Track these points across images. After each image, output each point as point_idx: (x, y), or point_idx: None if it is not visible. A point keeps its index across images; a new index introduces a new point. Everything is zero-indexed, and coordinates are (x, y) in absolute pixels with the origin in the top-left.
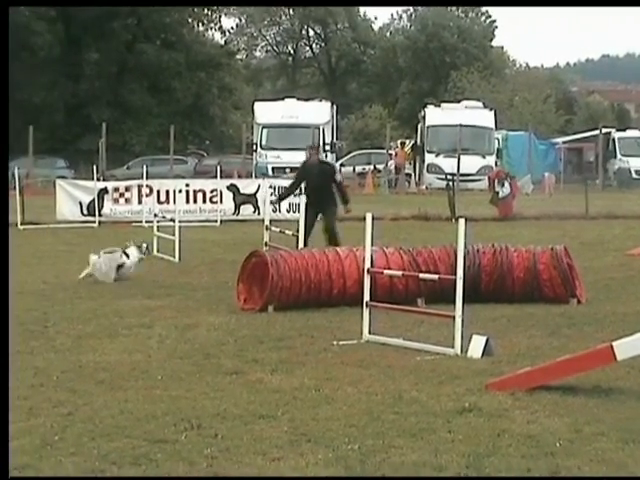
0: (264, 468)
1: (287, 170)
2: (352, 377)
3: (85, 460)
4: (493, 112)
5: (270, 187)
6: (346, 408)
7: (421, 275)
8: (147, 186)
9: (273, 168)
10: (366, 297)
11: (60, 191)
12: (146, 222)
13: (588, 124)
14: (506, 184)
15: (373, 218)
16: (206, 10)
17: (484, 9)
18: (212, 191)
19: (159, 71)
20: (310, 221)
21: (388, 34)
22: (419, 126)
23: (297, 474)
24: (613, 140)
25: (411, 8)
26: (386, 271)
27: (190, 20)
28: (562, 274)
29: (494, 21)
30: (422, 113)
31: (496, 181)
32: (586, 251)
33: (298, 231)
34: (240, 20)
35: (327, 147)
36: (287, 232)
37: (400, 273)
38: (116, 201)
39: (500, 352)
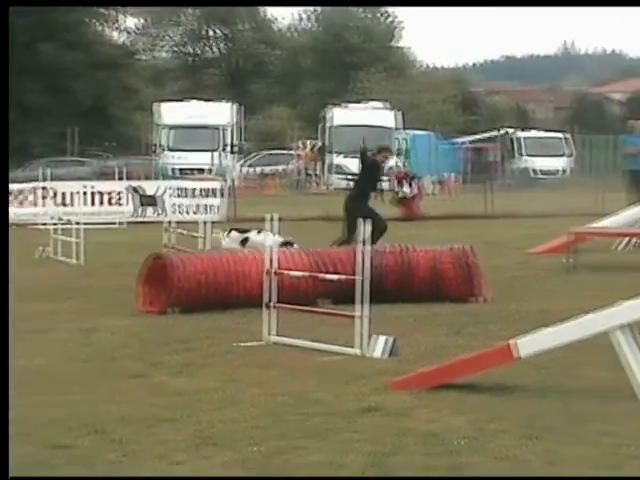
0: (165, 472)
1: (194, 171)
2: (257, 378)
3: None
4: (396, 112)
5: (174, 189)
6: (251, 410)
7: (323, 275)
8: (46, 188)
9: (180, 169)
10: (266, 298)
11: None
12: (47, 224)
13: (493, 124)
14: (412, 184)
15: (280, 219)
16: (104, 10)
17: (384, 9)
18: (115, 193)
19: (59, 71)
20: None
21: (295, 34)
22: (322, 126)
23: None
24: (517, 140)
25: (319, 8)
26: (287, 272)
27: (90, 20)
28: (465, 273)
29: (394, 21)
30: (324, 113)
31: (399, 181)
32: (490, 250)
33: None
34: (146, 20)
35: (232, 148)
36: (195, 234)
37: (301, 274)
38: (21, 204)
39: (405, 351)
